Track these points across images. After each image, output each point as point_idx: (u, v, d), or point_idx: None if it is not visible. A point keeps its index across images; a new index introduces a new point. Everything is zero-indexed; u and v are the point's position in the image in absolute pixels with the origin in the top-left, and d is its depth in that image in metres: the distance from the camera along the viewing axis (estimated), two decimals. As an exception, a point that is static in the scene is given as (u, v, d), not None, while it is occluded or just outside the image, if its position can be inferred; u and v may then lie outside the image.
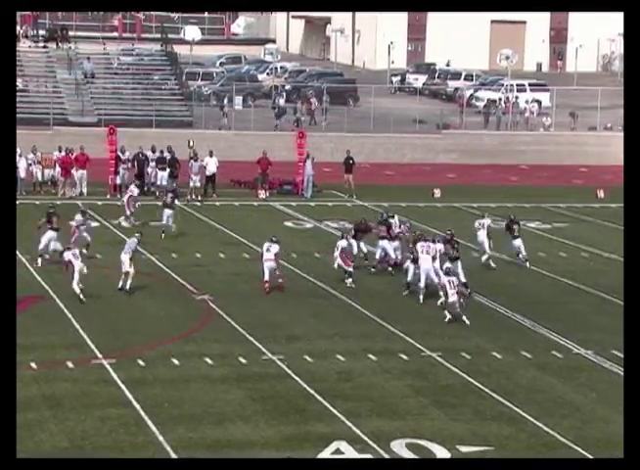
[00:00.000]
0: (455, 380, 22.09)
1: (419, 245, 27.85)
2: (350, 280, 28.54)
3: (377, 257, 30.16)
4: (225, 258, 31.85)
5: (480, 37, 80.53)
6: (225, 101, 54.02)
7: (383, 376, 22.17)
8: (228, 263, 31.19)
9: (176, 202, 34.51)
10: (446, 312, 25.91)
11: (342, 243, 28.95)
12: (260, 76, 66.10)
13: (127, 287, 27.58)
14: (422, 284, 27.41)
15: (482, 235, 31.47)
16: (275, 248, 28.28)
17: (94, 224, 35.44)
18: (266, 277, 27.98)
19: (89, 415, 19.47)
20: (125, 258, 27.58)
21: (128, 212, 35.22)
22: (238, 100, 55.29)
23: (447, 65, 72.35)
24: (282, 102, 55.65)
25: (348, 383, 21.69)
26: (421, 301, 27.27)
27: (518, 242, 31.51)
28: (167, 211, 33.65)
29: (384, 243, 29.91)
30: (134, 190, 35.86)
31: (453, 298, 25.81)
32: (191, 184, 40.07)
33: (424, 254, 27.51)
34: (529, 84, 62.85)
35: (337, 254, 28.66)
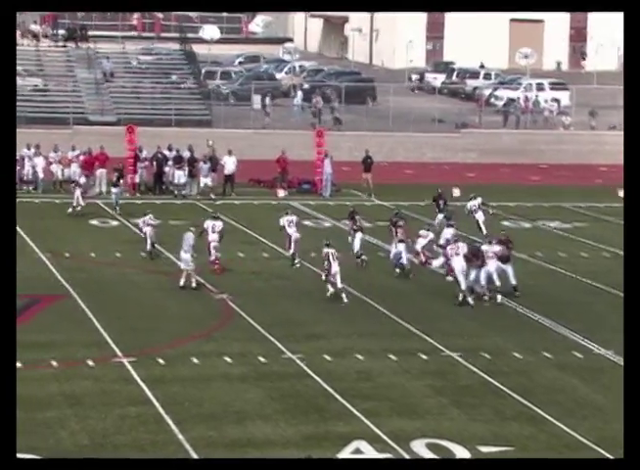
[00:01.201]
0: (475, 380, 22.04)
1: (449, 248, 27.74)
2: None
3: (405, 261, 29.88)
4: (244, 256, 31.87)
5: (499, 36, 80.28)
6: (267, 100, 54.15)
7: (402, 376, 22.13)
8: (247, 262, 31.20)
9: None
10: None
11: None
12: (279, 75, 66.10)
13: (193, 284, 27.56)
14: (481, 284, 27.24)
15: (481, 217, 31.53)
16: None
17: (114, 223, 35.61)
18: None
19: (109, 413, 19.50)
20: (187, 256, 27.55)
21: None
22: (256, 99, 55.34)
23: (481, 66, 71.99)
24: (299, 101, 55.66)
25: (368, 382, 21.67)
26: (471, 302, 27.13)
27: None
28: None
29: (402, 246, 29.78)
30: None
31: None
32: (201, 185, 40.10)
33: (454, 256, 27.34)
34: (549, 83, 62.67)
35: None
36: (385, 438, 18.86)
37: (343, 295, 27.23)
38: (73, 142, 42.09)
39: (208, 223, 29.45)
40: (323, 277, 27.85)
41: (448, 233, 30.13)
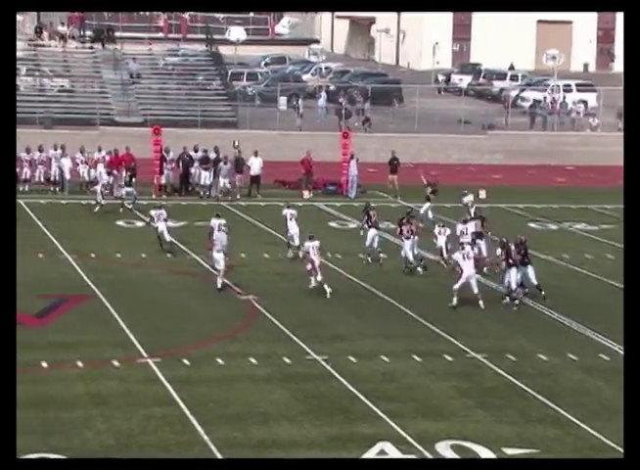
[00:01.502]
0: (500, 382, 21.97)
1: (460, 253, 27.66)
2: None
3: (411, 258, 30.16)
4: (269, 258, 31.89)
5: (526, 37, 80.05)
6: (299, 101, 54.25)
7: (427, 377, 22.09)
8: (272, 263, 31.22)
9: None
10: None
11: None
12: (305, 77, 66.13)
13: (218, 285, 27.73)
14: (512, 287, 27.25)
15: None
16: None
17: (139, 224, 35.72)
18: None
19: (135, 414, 19.56)
20: (219, 256, 27.67)
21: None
22: (282, 100, 55.39)
23: (511, 68, 71.72)
24: (322, 102, 55.67)
25: (393, 384, 21.64)
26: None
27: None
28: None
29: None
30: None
31: None
32: (220, 185, 40.14)
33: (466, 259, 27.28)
34: (576, 85, 62.40)
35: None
36: (409, 439, 18.83)
37: (326, 286, 27.40)
38: (99, 143, 42.24)
39: (215, 222, 29.62)
40: (308, 268, 27.96)
41: (470, 228, 30.22)
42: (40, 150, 41.25)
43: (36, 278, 28.36)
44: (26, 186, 40.62)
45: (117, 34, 60.26)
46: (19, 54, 55.82)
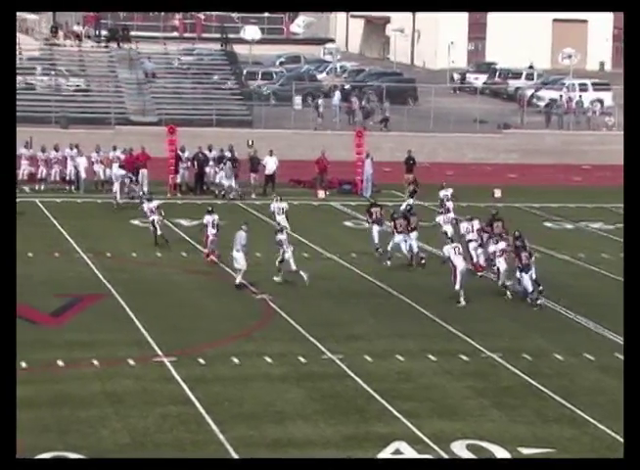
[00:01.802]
0: (516, 381, 21.91)
1: (451, 247, 27.72)
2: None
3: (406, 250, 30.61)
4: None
5: (541, 36, 79.87)
6: (320, 101, 54.24)
7: (443, 377, 22.04)
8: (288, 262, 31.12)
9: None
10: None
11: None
12: (320, 76, 66.09)
13: (237, 281, 27.75)
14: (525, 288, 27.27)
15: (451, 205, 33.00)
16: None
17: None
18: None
19: (150, 412, 19.56)
20: (239, 255, 27.68)
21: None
22: (297, 99, 55.37)
23: (530, 67, 71.51)
24: (337, 101, 55.64)
25: (408, 383, 21.59)
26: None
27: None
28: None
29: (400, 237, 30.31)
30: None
31: None
32: (226, 185, 40.00)
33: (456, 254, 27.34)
34: (592, 83, 62.20)
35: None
36: (425, 439, 18.79)
37: (302, 272, 27.81)
38: (115, 142, 42.29)
39: (208, 218, 30.18)
40: (277, 264, 28.40)
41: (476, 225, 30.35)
42: (56, 149, 41.33)
43: (52, 277, 28.43)
44: (42, 185, 40.72)
45: (133, 34, 60.29)
46: (34, 54, 56.07)
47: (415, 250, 30.57)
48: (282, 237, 28.32)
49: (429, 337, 24.56)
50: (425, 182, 41.72)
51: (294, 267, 27.90)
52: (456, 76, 70.84)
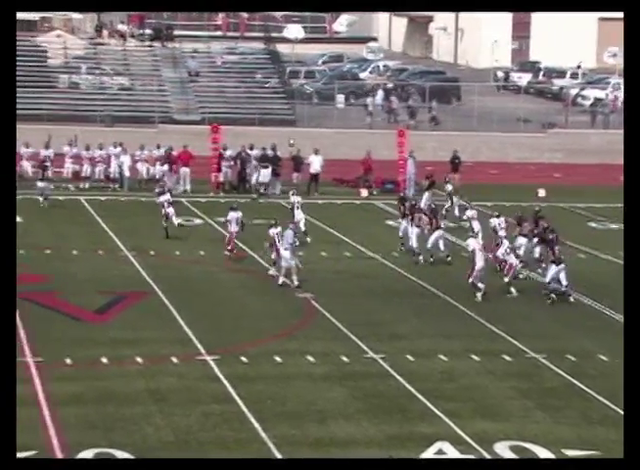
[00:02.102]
0: (560, 382, 21.77)
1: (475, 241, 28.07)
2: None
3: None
4: (327, 256, 31.87)
5: (586, 35, 79.28)
6: (369, 100, 54.24)
7: (486, 377, 21.94)
8: (330, 262, 31.20)
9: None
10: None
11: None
12: (362, 75, 66.03)
13: (295, 282, 27.74)
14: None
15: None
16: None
17: (197, 221, 35.92)
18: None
19: (193, 410, 19.62)
20: (287, 253, 27.77)
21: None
22: (340, 98, 55.36)
23: (578, 66, 71.03)
24: (379, 100, 55.56)
25: (451, 383, 21.51)
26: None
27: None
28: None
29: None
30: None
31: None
32: (252, 182, 40.28)
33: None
34: (637, 82, 61.56)
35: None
36: (468, 439, 18.70)
37: (276, 273, 28.21)
38: (158, 141, 42.51)
39: (233, 215, 30.35)
40: (272, 263, 28.60)
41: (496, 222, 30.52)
42: (100, 147, 41.60)
43: (96, 275, 28.61)
44: (86, 183, 41.00)
45: (176, 33, 60.58)
46: (79, 53, 56.46)
47: (429, 246, 30.73)
48: (276, 231, 28.27)
49: (472, 337, 24.46)
50: (467, 182, 41.62)
51: (292, 262, 27.88)
52: (500, 75, 70.50)
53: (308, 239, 32.08)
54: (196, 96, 52.75)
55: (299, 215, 32.48)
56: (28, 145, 40.76)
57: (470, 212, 32.57)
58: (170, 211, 32.64)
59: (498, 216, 30.85)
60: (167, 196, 33.06)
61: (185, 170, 40.67)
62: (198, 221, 36.10)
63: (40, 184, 37.40)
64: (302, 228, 32.12)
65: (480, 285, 27.32)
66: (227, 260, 30.47)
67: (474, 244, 27.75)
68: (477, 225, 31.09)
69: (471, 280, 27.39)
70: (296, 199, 33.11)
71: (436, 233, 30.73)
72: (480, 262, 27.31)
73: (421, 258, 30.64)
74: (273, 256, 28.50)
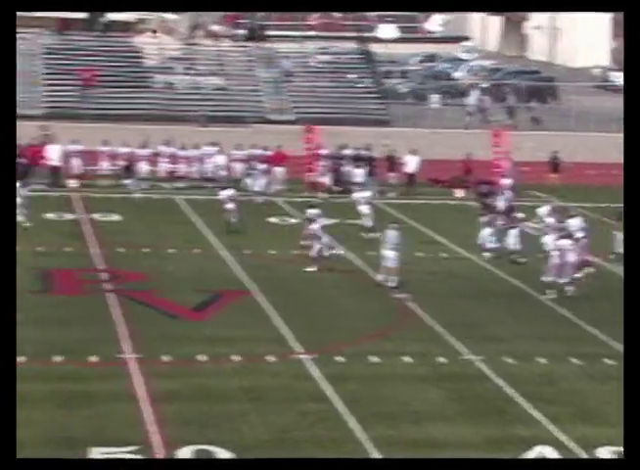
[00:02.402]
0: (663, 387, 21.22)
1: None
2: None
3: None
4: (423, 256, 31.64)
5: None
6: (471, 98, 53.98)
7: (587, 381, 21.54)
8: (426, 262, 30.97)
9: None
10: None
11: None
12: (456, 74, 65.60)
13: (393, 283, 27.66)
14: None
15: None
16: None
17: (292, 221, 35.97)
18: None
19: (289, 409, 19.58)
20: (389, 254, 27.78)
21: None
22: (434, 98, 55.02)
23: None
24: (473, 100, 55.09)
25: (551, 387, 21.15)
26: None
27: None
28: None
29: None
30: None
31: None
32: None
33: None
34: None
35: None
36: (569, 444, 18.36)
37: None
38: (253, 141, 42.67)
39: (312, 212, 30.39)
40: (315, 253, 28.98)
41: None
42: (196, 147, 41.90)
43: (193, 273, 28.76)
44: (182, 182, 41.31)
45: (271, 33, 60.79)
46: (174, 53, 56.94)
47: (511, 247, 30.80)
48: (315, 226, 28.54)
49: (572, 340, 24.04)
50: (566, 183, 41.06)
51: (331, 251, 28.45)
52: (598, 75, 69.45)
53: (373, 234, 31.80)
54: (290, 96, 52.86)
55: (366, 211, 33.05)
56: (107, 143, 41.29)
57: (543, 210, 32.25)
58: (231, 206, 33.11)
59: (571, 217, 30.70)
60: (231, 191, 33.68)
61: (279, 170, 40.74)
62: (293, 221, 36.11)
63: (128, 181, 38.10)
64: (370, 224, 32.67)
65: (562, 281, 27.10)
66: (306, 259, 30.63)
67: (549, 240, 27.94)
68: (552, 220, 30.90)
69: (551, 278, 27.14)
70: (359, 195, 33.57)
71: (513, 232, 30.84)
72: (555, 259, 27.14)
73: (522, 259, 30.35)
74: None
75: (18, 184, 30.48)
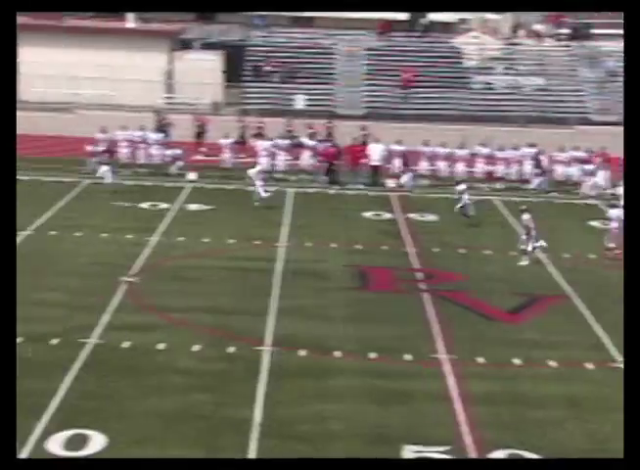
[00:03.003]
0: None
1: None
2: None
3: None
4: None
5: None
6: None
7: None
8: None
9: None
10: None
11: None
12: None
13: None
14: None
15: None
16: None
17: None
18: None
19: (608, 419, 18.79)
20: None
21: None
22: None
23: None
24: None
25: None
26: None
27: None
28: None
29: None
30: None
31: None
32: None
33: None
34: None
35: None
36: None
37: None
38: (575, 142, 41.67)
39: (525, 217, 30.30)
40: (530, 248, 29.46)
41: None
42: (514, 148, 41.40)
43: (509, 276, 28.27)
44: (500, 183, 40.90)
45: (595, 31, 59.17)
46: (494, 53, 56.50)
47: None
48: (527, 216, 29.48)
49: None
50: None
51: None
52: None
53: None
54: (614, 96, 51.16)
55: (466, 198, 34.17)
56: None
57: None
58: (467, 202, 34.05)
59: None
60: (464, 186, 34.39)
61: (603, 173, 39.50)
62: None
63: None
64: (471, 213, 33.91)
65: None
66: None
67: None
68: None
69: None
70: (461, 187, 34.14)
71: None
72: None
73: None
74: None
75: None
